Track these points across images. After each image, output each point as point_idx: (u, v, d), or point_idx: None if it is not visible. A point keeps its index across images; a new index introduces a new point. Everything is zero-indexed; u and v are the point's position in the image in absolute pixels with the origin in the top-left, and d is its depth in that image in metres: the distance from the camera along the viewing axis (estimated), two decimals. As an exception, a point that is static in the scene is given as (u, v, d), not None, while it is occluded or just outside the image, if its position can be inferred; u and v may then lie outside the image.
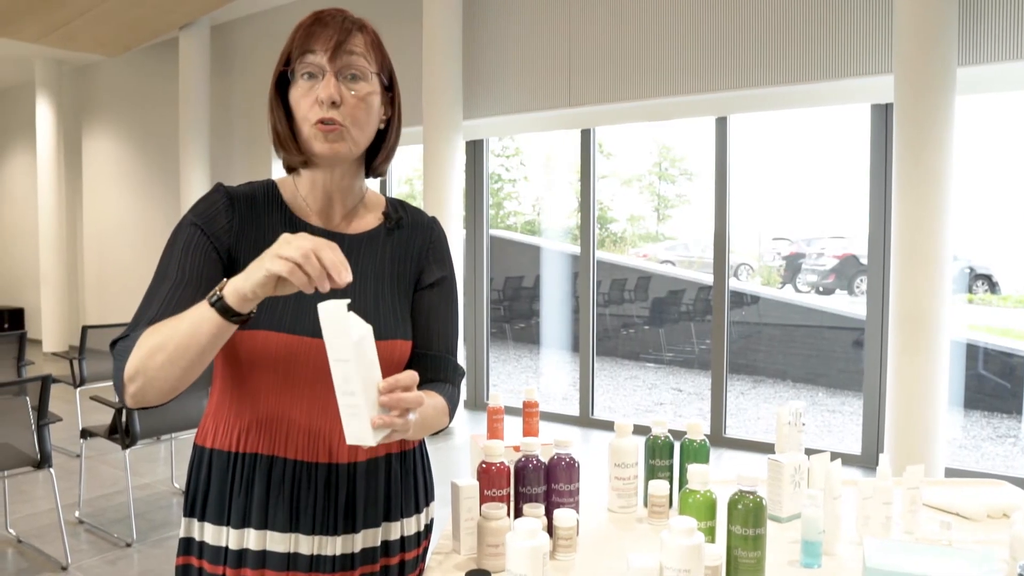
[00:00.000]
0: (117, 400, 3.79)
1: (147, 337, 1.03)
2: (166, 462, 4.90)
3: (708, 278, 7.15)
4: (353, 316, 0.97)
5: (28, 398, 3.32)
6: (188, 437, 4.23)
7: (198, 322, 0.99)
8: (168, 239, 1.18)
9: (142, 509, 4.09)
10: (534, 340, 8.59)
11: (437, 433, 1.27)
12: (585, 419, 6.01)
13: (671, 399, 7.25)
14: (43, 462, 3.33)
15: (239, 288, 0.97)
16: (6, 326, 10.47)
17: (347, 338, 0.95)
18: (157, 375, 1.02)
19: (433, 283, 1.30)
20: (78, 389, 5.22)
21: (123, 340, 1.08)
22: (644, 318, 8.15)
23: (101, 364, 5.37)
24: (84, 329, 5.21)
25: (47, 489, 4.33)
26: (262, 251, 1.14)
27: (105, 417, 5.30)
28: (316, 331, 1.13)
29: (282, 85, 1.19)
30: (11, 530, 3.78)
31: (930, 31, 3.88)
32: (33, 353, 5.16)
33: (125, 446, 3.67)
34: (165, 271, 1.13)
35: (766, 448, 5.18)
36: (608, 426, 5.87)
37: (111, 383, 5.28)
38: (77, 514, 4.00)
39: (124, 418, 3.66)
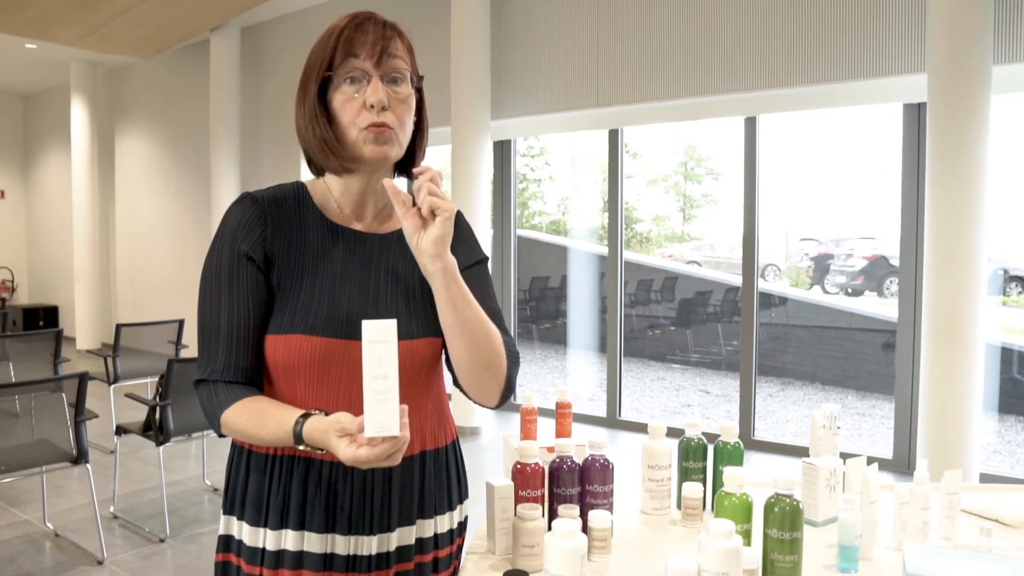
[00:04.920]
0: (150, 398, 3.85)
1: (236, 415, 1.15)
2: (197, 459, 4.97)
3: (735, 279, 7.10)
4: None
5: (64, 395, 3.39)
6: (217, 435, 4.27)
7: (278, 429, 1.11)
8: (210, 260, 1.20)
9: (175, 505, 4.15)
10: (560, 341, 8.58)
11: (507, 396, 1.24)
12: (612, 420, 6.00)
13: (698, 401, 7.21)
14: (80, 458, 3.39)
15: (315, 440, 1.07)
16: (41, 323, 10.66)
17: (389, 321, 0.98)
18: (245, 439, 1.18)
19: (462, 269, 1.27)
20: (112, 386, 5.30)
21: (204, 384, 1.19)
22: (671, 319, 8.11)
23: (134, 362, 5.46)
24: (118, 328, 5.29)
25: (82, 484, 4.41)
26: (295, 253, 1.20)
27: (137, 413, 5.39)
28: (349, 333, 1.16)
29: (319, 92, 1.19)
30: (49, 524, 3.86)
31: (964, 29, 3.82)
32: (67, 350, 5.26)
33: (159, 443, 3.73)
34: (218, 306, 1.18)
35: (795, 451, 5.13)
36: (635, 427, 5.85)
37: (144, 380, 5.40)
38: (112, 509, 4.06)
39: (158, 416, 3.72)
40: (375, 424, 0.97)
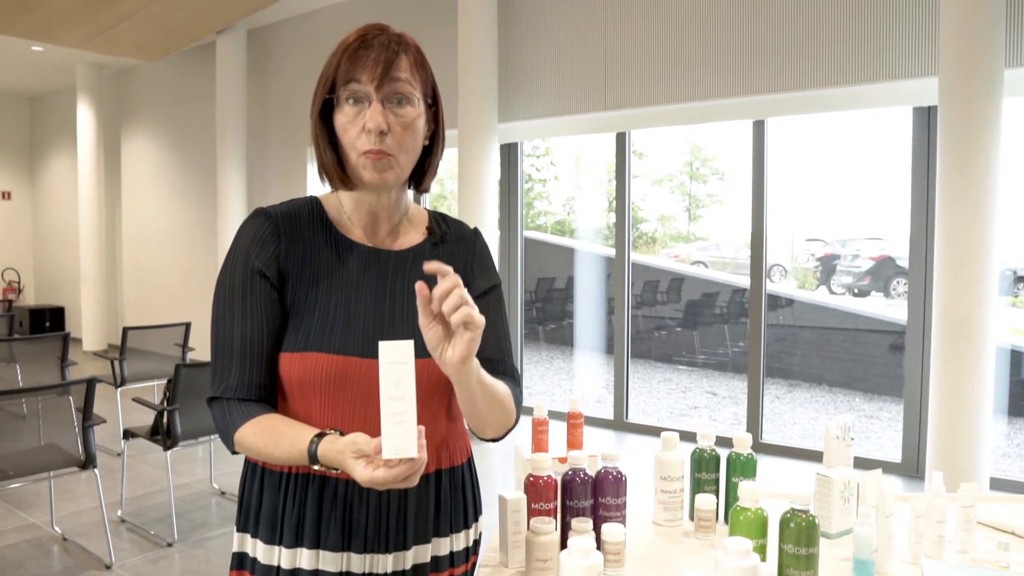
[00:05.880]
0: (157, 402, 3.85)
1: (250, 433, 1.14)
2: (204, 462, 4.97)
3: (741, 280, 7.07)
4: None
5: (72, 398, 3.39)
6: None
7: (293, 448, 1.09)
8: (223, 276, 1.19)
9: (182, 509, 4.15)
10: (566, 342, 8.57)
11: (507, 433, 1.26)
12: (620, 423, 5.98)
13: (705, 403, 7.19)
14: (88, 463, 3.39)
15: (330, 461, 1.05)
16: (47, 324, 10.69)
17: (406, 343, 0.97)
18: (259, 458, 1.18)
19: (479, 295, 1.28)
20: (119, 389, 5.31)
21: (218, 402, 1.18)
22: (677, 320, 8.09)
23: (141, 364, 5.47)
24: (125, 331, 5.30)
25: (90, 488, 4.42)
26: (308, 269, 1.19)
27: (143, 416, 5.40)
28: (365, 351, 1.15)
29: (324, 108, 1.18)
30: (56, 528, 3.86)
31: (976, 32, 3.80)
32: (73, 352, 5.27)
33: (167, 447, 3.73)
34: (231, 323, 1.18)
35: (803, 454, 5.12)
36: (643, 430, 5.84)
37: (151, 383, 5.41)
38: (119, 513, 4.07)
39: (166, 420, 3.72)
40: (393, 446, 0.96)
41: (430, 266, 1.02)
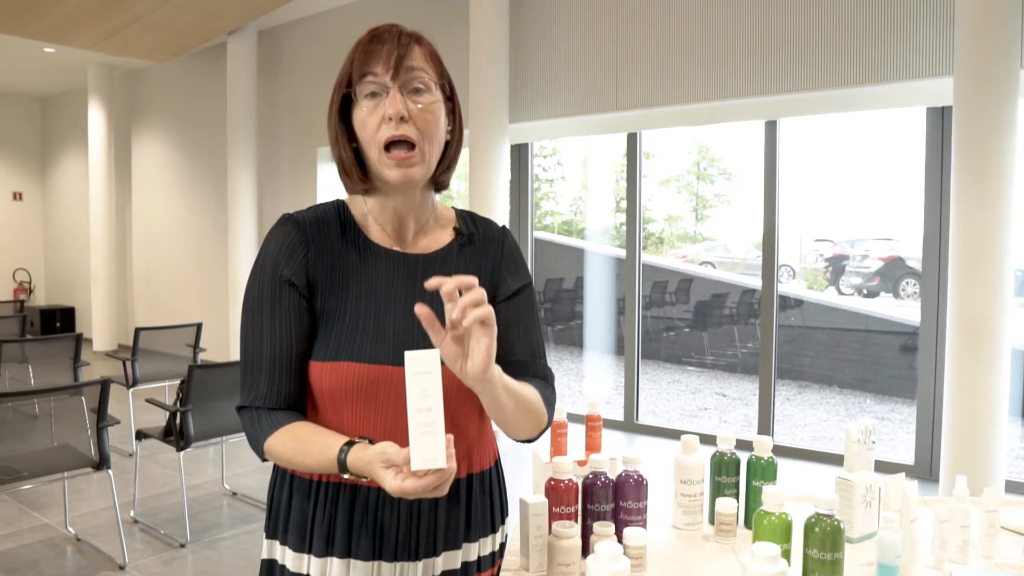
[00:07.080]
0: (169, 402, 3.86)
1: (280, 442, 1.14)
2: (215, 463, 4.98)
3: (749, 280, 7.05)
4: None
5: (84, 399, 3.40)
6: (236, 440, 4.30)
7: (322, 456, 1.09)
8: (251, 285, 1.19)
9: (194, 510, 4.16)
10: (576, 343, 8.56)
11: (540, 435, 1.25)
12: (630, 424, 5.97)
13: (715, 404, 7.17)
14: (102, 463, 3.40)
15: (359, 470, 1.05)
16: (58, 325, 10.74)
17: (432, 351, 0.96)
18: (289, 466, 1.17)
19: (510, 295, 1.27)
20: (131, 390, 5.32)
21: (247, 411, 1.18)
22: (686, 321, 8.08)
23: (152, 365, 5.48)
24: (137, 331, 5.31)
25: (103, 488, 4.43)
26: (337, 277, 1.17)
27: (155, 416, 5.41)
28: (397, 359, 1.14)
29: (342, 110, 1.17)
30: (70, 528, 3.87)
31: (992, 32, 3.77)
32: (84, 352, 5.29)
33: (180, 448, 3.73)
34: (260, 333, 1.17)
35: (815, 456, 5.09)
36: (653, 431, 5.82)
37: (162, 384, 5.42)
38: (132, 514, 4.08)
39: (179, 421, 3.73)
40: (421, 457, 0.95)
41: (430, 283, 0.99)
